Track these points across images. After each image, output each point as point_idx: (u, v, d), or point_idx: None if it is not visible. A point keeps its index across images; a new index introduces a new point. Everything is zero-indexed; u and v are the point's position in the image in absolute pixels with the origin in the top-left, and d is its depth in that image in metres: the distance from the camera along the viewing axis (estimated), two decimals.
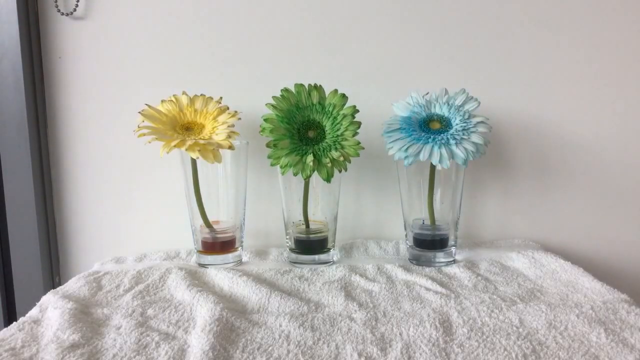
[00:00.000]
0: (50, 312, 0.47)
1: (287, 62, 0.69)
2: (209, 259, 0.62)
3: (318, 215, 0.62)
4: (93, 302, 0.51)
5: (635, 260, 0.73)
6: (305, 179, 0.58)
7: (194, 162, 0.60)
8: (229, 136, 0.57)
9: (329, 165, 0.57)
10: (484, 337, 0.42)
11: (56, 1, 0.67)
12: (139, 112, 0.58)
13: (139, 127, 0.56)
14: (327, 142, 0.58)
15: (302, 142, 0.59)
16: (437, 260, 0.62)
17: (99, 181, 0.71)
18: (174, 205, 0.69)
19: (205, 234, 0.62)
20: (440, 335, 0.43)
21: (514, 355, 0.39)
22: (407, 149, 0.56)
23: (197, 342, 0.41)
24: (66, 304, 0.48)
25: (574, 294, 0.52)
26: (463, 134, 0.57)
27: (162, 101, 0.61)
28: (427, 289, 0.53)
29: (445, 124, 0.59)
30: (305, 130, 0.59)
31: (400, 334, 0.43)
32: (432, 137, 0.57)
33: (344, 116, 0.58)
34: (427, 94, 0.62)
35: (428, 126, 0.59)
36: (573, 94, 0.70)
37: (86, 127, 0.70)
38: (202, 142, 0.56)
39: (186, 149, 0.55)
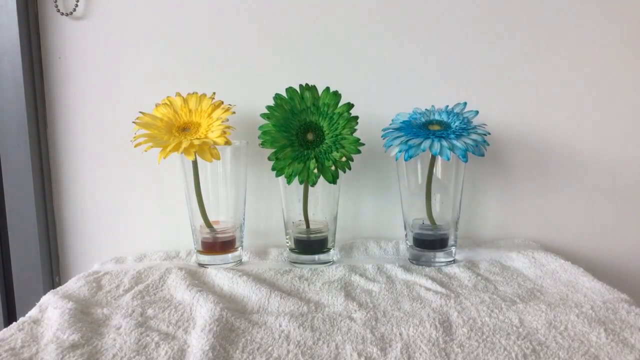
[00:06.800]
0: (50, 312, 0.47)
1: (286, 61, 0.69)
2: (208, 259, 0.62)
3: (318, 215, 0.62)
4: (93, 302, 0.51)
5: (635, 260, 0.73)
6: (312, 186, 0.58)
7: (194, 161, 0.59)
8: (223, 132, 0.57)
9: (333, 168, 0.57)
10: (484, 337, 0.42)
11: (56, 1, 0.67)
12: (133, 122, 0.58)
13: (135, 136, 0.56)
14: (327, 144, 0.58)
15: (302, 147, 0.58)
16: (437, 260, 0.62)
17: (99, 181, 0.71)
18: (174, 205, 0.69)
19: (205, 234, 0.62)
20: (440, 335, 0.43)
21: (513, 355, 0.39)
22: (407, 142, 0.56)
23: (197, 342, 0.41)
24: (66, 304, 0.48)
25: (574, 293, 0.52)
26: (462, 132, 0.58)
27: (157, 105, 0.61)
28: (427, 289, 0.53)
29: (444, 126, 0.59)
30: (304, 134, 0.59)
31: (400, 334, 0.43)
32: (432, 133, 0.58)
33: (340, 115, 0.58)
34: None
35: (427, 128, 0.59)
36: (572, 96, 0.70)
37: (86, 127, 0.70)
38: (197, 142, 0.56)
39: (182, 152, 0.55)
